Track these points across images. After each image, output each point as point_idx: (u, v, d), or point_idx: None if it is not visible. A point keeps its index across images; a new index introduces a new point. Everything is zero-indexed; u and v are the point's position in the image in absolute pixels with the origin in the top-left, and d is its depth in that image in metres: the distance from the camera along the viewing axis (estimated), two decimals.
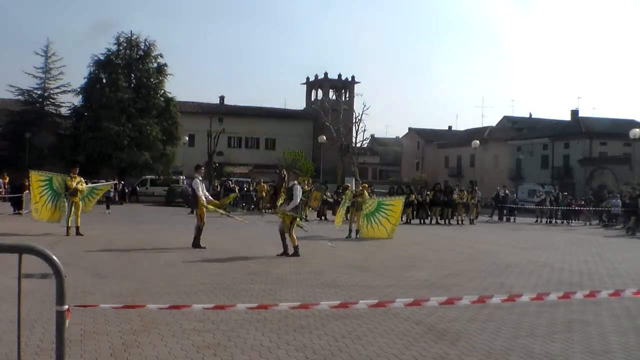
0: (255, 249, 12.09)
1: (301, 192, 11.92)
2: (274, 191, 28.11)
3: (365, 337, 5.30)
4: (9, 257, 3.07)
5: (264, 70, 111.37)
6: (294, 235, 11.21)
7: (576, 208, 28.62)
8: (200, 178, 12.45)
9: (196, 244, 11.92)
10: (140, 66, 42.54)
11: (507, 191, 30.33)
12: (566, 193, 31.31)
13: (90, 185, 15.98)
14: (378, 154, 72.25)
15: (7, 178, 24.52)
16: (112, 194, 26.17)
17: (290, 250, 11.11)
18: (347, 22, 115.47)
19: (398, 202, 17.01)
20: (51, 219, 14.59)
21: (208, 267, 9.48)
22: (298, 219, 11.68)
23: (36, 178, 14.56)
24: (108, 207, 24.18)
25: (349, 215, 17.99)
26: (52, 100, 43.61)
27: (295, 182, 11.77)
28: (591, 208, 28.42)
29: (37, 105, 42.89)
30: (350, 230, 16.10)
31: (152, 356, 4.55)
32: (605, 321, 6.26)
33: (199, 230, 12.01)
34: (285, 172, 12.68)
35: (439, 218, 24.48)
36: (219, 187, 28.85)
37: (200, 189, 12.20)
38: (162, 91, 43.46)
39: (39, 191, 14.40)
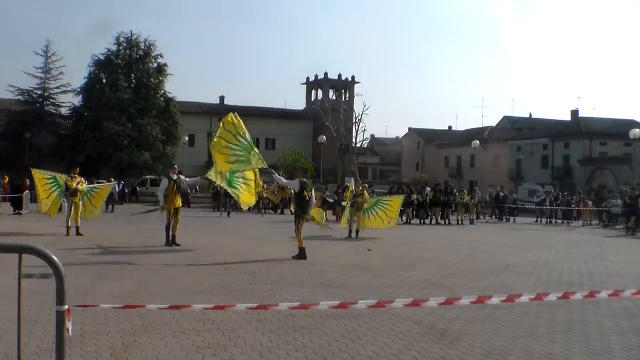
0: (255, 249, 12.08)
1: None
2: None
3: (365, 337, 5.30)
4: (9, 257, 3.07)
5: (264, 70, 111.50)
6: (301, 237, 11.00)
7: (576, 208, 28.57)
8: (174, 177, 12.53)
9: (168, 242, 12.04)
10: (140, 66, 42.44)
11: (505, 192, 30.45)
12: (573, 195, 30.67)
13: (89, 185, 15.97)
14: (378, 154, 72.24)
15: (7, 178, 24.51)
16: (116, 191, 26.37)
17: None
18: (347, 22, 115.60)
19: (397, 199, 17.78)
20: (53, 214, 14.91)
21: (208, 267, 9.48)
22: (316, 219, 11.59)
23: (40, 176, 14.64)
24: (112, 209, 24.42)
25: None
26: (52, 100, 43.47)
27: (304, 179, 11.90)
28: (593, 208, 28.35)
29: (37, 105, 42.75)
30: (350, 230, 16.06)
31: (152, 356, 4.55)
32: (605, 321, 6.26)
33: (167, 229, 12.15)
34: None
35: (439, 218, 24.51)
36: (219, 187, 28.72)
37: (166, 187, 12.29)
38: (162, 91, 43.34)
39: (47, 188, 14.55)
